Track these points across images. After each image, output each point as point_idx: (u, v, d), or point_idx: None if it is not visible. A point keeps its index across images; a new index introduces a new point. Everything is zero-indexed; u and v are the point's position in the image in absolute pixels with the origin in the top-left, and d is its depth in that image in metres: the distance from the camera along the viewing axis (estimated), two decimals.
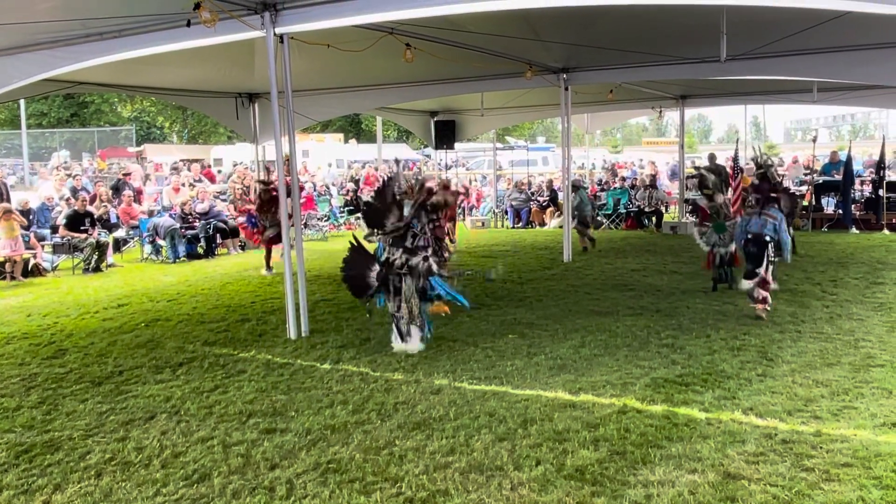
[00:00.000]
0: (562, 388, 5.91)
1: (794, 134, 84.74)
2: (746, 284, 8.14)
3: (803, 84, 14.34)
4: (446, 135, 19.79)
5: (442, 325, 8.11)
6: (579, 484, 4.21)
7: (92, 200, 16.16)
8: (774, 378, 6.01)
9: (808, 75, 11.59)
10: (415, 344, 7.15)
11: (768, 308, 8.15)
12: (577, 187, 14.32)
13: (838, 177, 17.38)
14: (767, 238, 8.05)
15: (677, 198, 20.08)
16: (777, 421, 5.07)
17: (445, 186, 12.08)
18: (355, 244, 7.39)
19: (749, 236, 8.16)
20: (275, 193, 11.52)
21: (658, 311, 8.55)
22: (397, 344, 7.22)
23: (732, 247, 9.42)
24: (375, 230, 7.22)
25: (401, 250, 7.04)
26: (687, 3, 7.77)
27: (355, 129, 48.08)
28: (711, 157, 19.03)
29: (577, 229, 14.04)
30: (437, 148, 20.70)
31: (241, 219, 13.59)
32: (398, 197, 7.06)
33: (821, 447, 4.61)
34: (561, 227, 13.95)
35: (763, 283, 8.08)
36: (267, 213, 11.99)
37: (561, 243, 13.19)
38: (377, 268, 7.19)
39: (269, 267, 12.40)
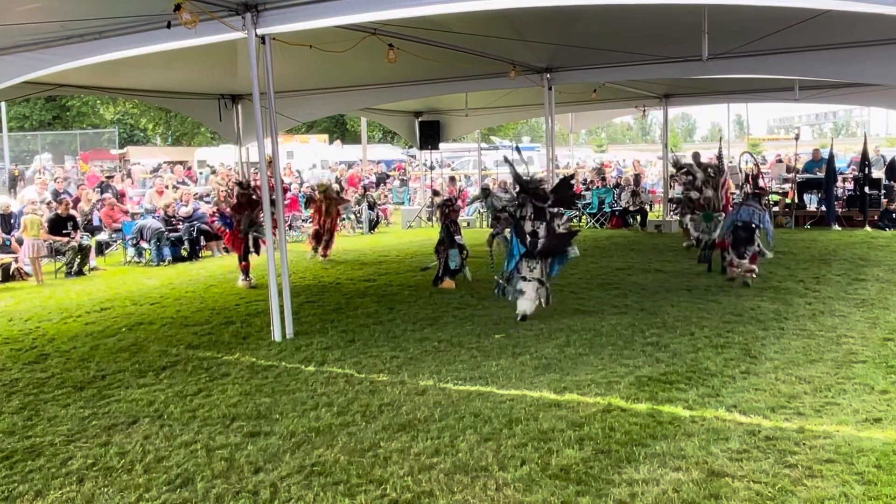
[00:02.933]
0: (547, 387, 5.92)
1: (777, 132, 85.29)
2: (742, 264, 9.52)
3: (785, 82, 14.44)
4: (431, 135, 19.80)
5: (427, 327, 8.12)
6: (564, 483, 4.21)
7: (75, 203, 16.05)
8: (758, 375, 6.04)
9: (790, 73, 11.67)
10: (528, 306, 8.23)
11: (755, 276, 9.59)
12: (487, 193, 14.62)
13: (821, 174, 17.51)
14: (754, 225, 9.48)
15: (661, 196, 20.17)
16: (760, 418, 5.09)
17: (326, 191, 12.84)
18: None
19: (739, 223, 9.50)
20: (254, 197, 11.14)
21: (642, 310, 8.57)
22: (526, 304, 8.24)
23: (716, 234, 10.53)
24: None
25: (544, 224, 8.26)
26: (668, 3, 7.80)
27: (340, 129, 47.97)
28: (695, 156, 19.16)
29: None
30: (421, 148, 20.72)
31: (217, 222, 12.43)
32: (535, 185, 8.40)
33: (804, 443, 4.63)
34: None
35: (752, 258, 9.54)
36: (241, 216, 11.18)
37: None
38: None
39: (246, 276, 11.29)
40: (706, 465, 4.36)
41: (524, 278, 8.30)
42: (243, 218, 11.18)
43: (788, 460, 4.40)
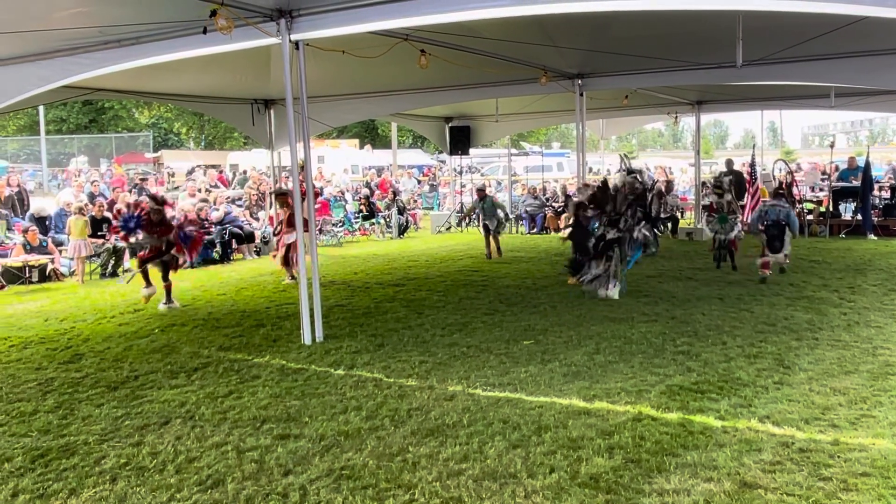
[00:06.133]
0: (576, 394, 5.88)
1: (812, 139, 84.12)
2: (777, 257, 10.68)
3: (820, 89, 14.25)
4: (461, 140, 19.87)
5: (456, 332, 8.12)
6: (593, 492, 4.18)
7: (110, 206, 16.27)
8: (791, 386, 5.95)
9: (825, 81, 11.51)
10: (615, 293, 9.67)
11: (788, 261, 11.01)
12: (484, 196, 14.67)
13: (856, 182, 17.24)
14: (784, 223, 10.55)
15: (692, 203, 19.98)
16: (794, 429, 5.02)
17: (282, 194, 12.43)
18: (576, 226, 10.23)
19: (769, 223, 10.58)
20: (166, 218, 10.09)
21: (673, 318, 8.50)
22: (602, 292, 9.68)
23: (732, 235, 11.69)
24: (601, 214, 9.84)
25: (615, 229, 9.64)
26: (702, 9, 7.74)
27: (371, 134, 48.20)
28: (728, 163, 19.03)
29: (491, 236, 14.36)
30: (451, 153, 20.81)
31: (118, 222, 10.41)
32: (613, 193, 9.81)
33: (838, 456, 4.55)
34: None
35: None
36: (150, 234, 9.97)
37: None
38: (593, 241, 9.78)
39: (148, 283, 10.12)
40: (738, 477, 4.31)
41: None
42: (145, 237, 10.03)
43: (823, 473, 4.33)
